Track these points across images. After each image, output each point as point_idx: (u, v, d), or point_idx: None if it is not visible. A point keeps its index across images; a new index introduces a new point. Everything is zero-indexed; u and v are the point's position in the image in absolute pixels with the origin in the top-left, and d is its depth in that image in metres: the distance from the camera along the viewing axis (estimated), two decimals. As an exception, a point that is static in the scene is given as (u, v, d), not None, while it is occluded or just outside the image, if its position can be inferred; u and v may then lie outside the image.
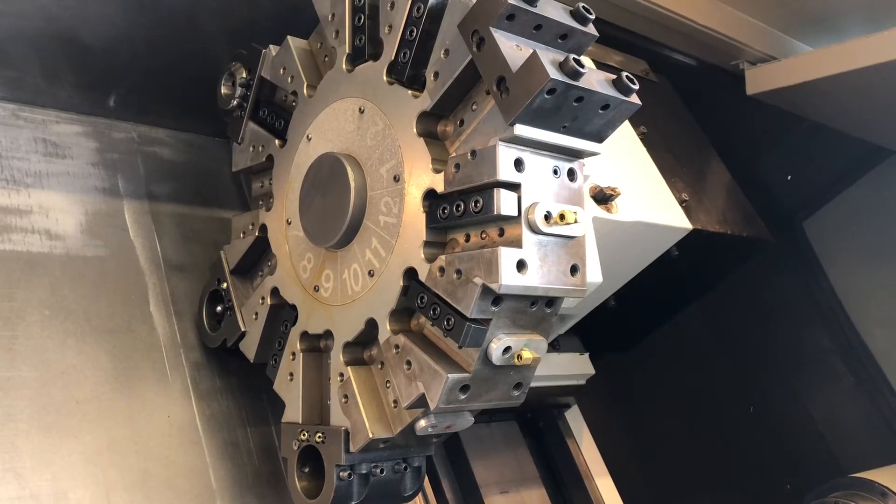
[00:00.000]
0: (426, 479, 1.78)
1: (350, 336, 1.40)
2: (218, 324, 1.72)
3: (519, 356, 1.24)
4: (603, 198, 1.52)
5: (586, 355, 2.03)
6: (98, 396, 1.58)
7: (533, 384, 1.91)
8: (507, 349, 1.23)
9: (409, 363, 1.28)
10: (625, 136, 1.72)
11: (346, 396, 1.38)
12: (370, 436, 1.33)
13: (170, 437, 1.62)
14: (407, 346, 1.29)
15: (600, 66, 1.86)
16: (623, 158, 1.66)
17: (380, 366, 1.38)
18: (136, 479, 1.53)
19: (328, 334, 1.45)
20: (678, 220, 1.65)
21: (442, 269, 1.25)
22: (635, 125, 1.76)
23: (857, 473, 1.89)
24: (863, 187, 2.97)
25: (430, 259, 1.27)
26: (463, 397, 1.25)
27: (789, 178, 2.88)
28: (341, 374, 1.40)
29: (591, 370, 2.02)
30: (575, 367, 2.00)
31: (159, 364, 1.69)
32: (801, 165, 2.83)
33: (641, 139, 1.75)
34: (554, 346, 1.94)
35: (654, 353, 2.45)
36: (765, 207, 2.76)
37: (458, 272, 1.22)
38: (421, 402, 1.27)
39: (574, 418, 2.08)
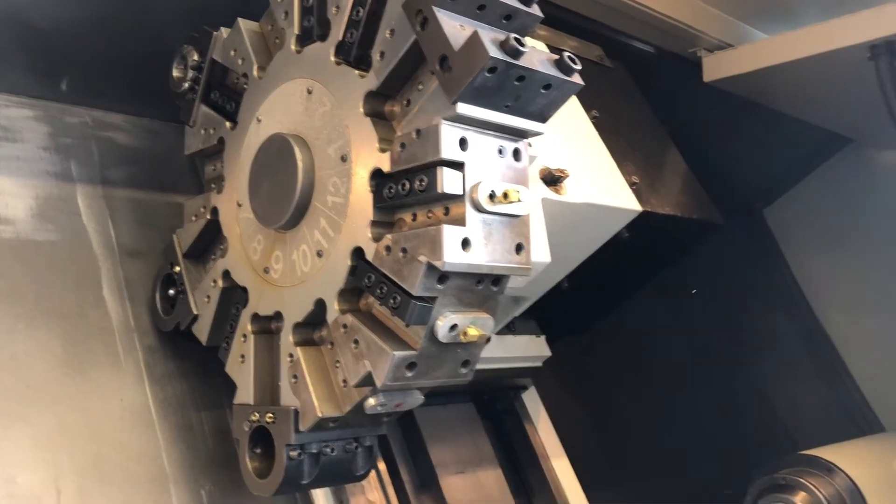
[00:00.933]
0: (382, 460, 1.80)
1: (299, 317, 1.41)
2: (171, 308, 1.72)
3: (465, 333, 1.25)
4: (552, 179, 1.53)
5: (542, 338, 2.05)
6: (49, 381, 1.57)
7: (489, 366, 1.95)
8: (453, 327, 1.24)
9: (356, 342, 1.29)
10: (576, 120, 1.74)
11: (295, 377, 1.39)
12: (319, 415, 1.34)
13: (122, 420, 1.61)
14: (355, 326, 1.30)
15: (554, 51, 1.86)
16: (574, 141, 1.68)
17: (329, 346, 1.38)
18: (88, 464, 1.52)
19: (278, 316, 1.46)
20: (628, 202, 1.67)
21: (388, 248, 1.26)
22: (588, 109, 1.78)
23: (804, 451, 1.93)
24: (822, 175, 3.01)
25: (378, 238, 1.28)
26: (410, 375, 1.26)
27: (750, 166, 2.91)
28: (291, 355, 1.41)
29: (547, 352, 2.04)
30: (531, 349, 2.02)
31: (112, 348, 1.69)
32: (761, 153, 2.87)
33: (594, 123, 1.77)
34: (510, 329, 1.96)
35: (613, 336, 2.48)
36: (726, 195, 2.80)
37: (404, 251, 1.23)
38: (368, 380, 1.28)
39: (531, 400, 2.10)
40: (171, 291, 1.71)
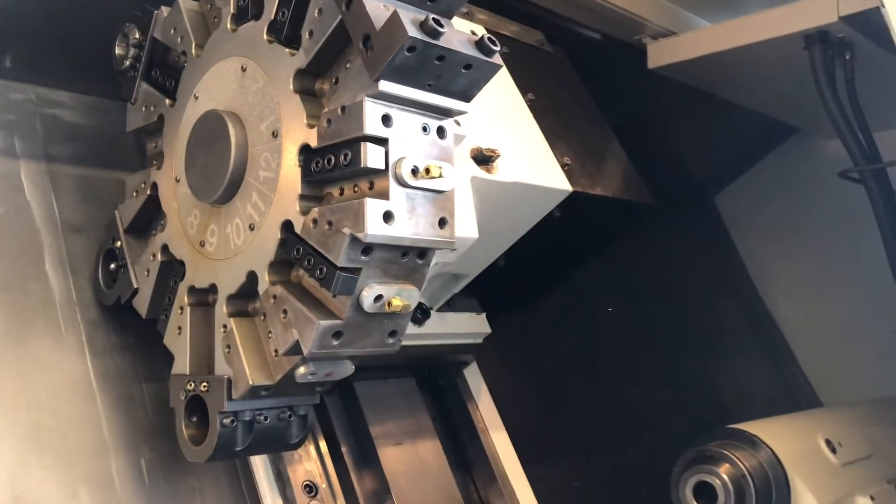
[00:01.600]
0: (321, 432, 1.84)
1: (233, 288, 1.45)
2: (113, 282, 1.75)
3: (390, 304, 1.30)
4: (483, 159, 1.59)
5: (483, 315, 2.10)
6: (-13, 351, 1.60)
7: (430, 342, 2.00)
8: (378, 297, 1.29)
9: (285, 312, 1.34)
10: (511, 102, 1.79)
11: (228, 346, 1.43)
12: (250, 382, 1.38)
13: (62, 390, 1.64)
14: (284, 296, 1.35)
15: (493, 35, 1.91)
16: (507, 122, 1.73)
17: (262, 317, 1.43)
18: (26, 431, 1.55)
19: (214, 288, 1.50)
20: (558, 182, 1.73)
21: (315, 221, 1.30)
22: (524, 92, 1.83)
23: (732, 425, 2.00)
24: (770, 164, 3.11)
25: (306, 212, 1.33)
26: (336, 343, 1.31)
27: (702, 153, 2.99)
28: (225, 326, 1.45)
29: (487, 329, 2.10)
30: (472, 326, 2.07)
31: (53, 321, 1.71)
32: (712, 142, 2.95)
33: (529, 105, 1.83)
34: (450, 306, 2.01)
35: (557, 315, 2.55)
36: (679, 182, 2.87)
37: (329, 223, 1.27)
38: (296, 348, 1.33)
39: (472, 376, 2.16)
40: (113, 266, 1.74)
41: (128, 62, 1.72)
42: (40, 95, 1.95)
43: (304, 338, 1.30)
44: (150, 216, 1.69)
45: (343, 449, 1.85)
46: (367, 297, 1.28)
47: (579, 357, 2.70)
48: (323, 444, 1.82)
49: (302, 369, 1.38)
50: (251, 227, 1.41)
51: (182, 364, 1.53)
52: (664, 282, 3.10)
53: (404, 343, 1.88)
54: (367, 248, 1.26)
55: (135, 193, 1.72)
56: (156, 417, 1.73)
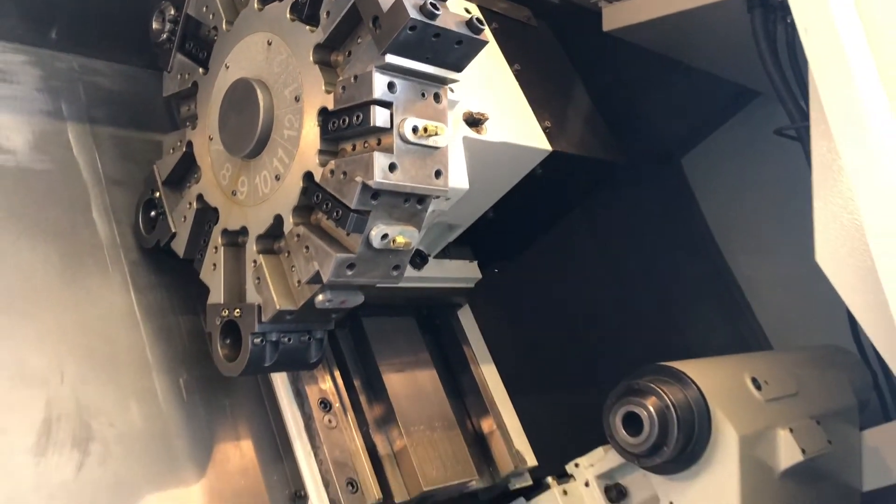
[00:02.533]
0: (334, 359, 2.11)
1: (261, 230, 1.71)
2: (152, 228, 2.01)
3: (394, 241, 1.57)
4: (473, 121, 1.84)
5: (475, 263, 2.37)
6: (49, 287, 1.86)
7: (427, 285, 2.27)
8: (384, 235, 1.55)
9: (307, 248, 1.60)
10: (499, 72, 2.04)
11: (258, 278, 1.70)
12: (277, 307, 1.65)
13: (111, 321, 1.91)
14: (306, 235, 1.61)
15: (486, 12, 2.15)
16: (496, 90, 1.97)
17: (286, 254, 1.69)
18: (84, 354, 1.82)
19: (244, 230, 1.76)
20: (540, 142, 1.98)
21: (332, 172, 1.56)
22: (511, 63, 2.07)
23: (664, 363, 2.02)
24: (733, 127, 3.29)
25: (324, 164, 1.58)
26: (350, 273, 1.57)
27: (668, 117, 3.17)
28: (254, 261, 1.71)
29: (479, 275, 2.35)
30: (465, 271, 2.33)
31: (101, 262, 1.97)
32: (677, 105, 3.11)
33: (515, 75, 2.07)
34: (446, 254, 2.28)
35: (540, 264, 2.79)
36: (646, 144, 3.06)
37: (344, 173, 1.53)
38: (317, 278, 1.59)
39: (465, 317, 2.42)
40: (152, 213, 1.99)
41: (164, 35, 1.96)
42: (81, 64, 2.19)
43: (324, 268, 1.56)
44: (186, 170, 1.94)
45: (353, 375, 2.12)
46: (375, 235, 1.55)
47: (560, 302, 2.95)
48: (336, 372, 2.09)
49: (320, 297, 1.64)
50: (277, 178, 1.67)
51: (217, 295, 1.79)
52: (634, 237, 3.29)
53: (406, 285, 2.16)
54: (375, 194, 1.52)
55: (171, 150, 1.97)
56: (191, 345, 2.00)
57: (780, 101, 2.02)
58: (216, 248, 1.82)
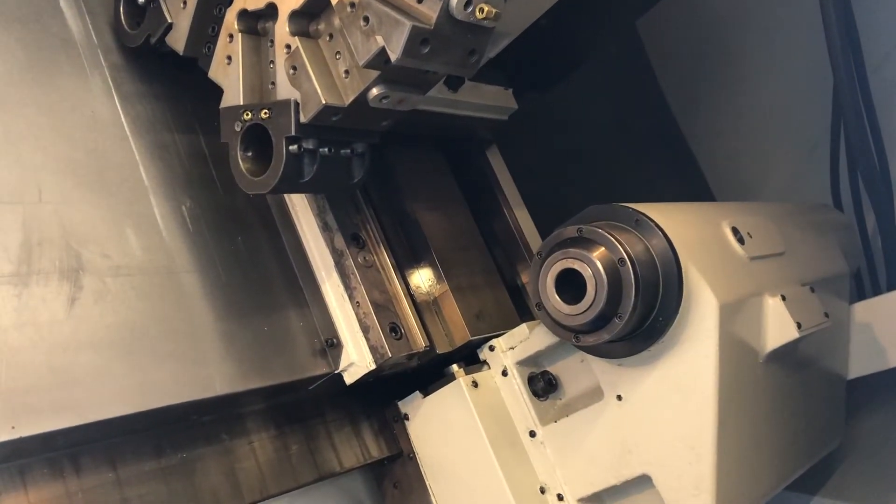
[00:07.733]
0: (362, 197, 1.79)
1: (296, 4, 1.34)
2: (137, 22, 1.61)
3: (481, 9, 1.23)
4: None
5: (510, 91, 2.06)
6: (13, 82, 1.47)
7: (461, 112, 1.96)
8: (468, 2, 1.22)
9: (366, 19, 1.25)
10: None
11: (294, 68, 1.35)
12: (323, 101, 1.31)
13: (95, 131, 1.54)
14: (364, 2, 1.26)
15: None
16: None
17: (328, 38, 1.34)
18: (64, 167, 1.46)
19: (270, 10, 1.39)
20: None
21: (403, -85, 1.20)
22: None
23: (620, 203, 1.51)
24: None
25: None
26: (424, 51, 1.23)
27: None
28: (287, 46, 1.36)
29: (514, 105, 2.06)
30: (500, 99, 2.03)
31: (77, 61, 1.59)
32: None
33: None
34: (481, 76, 1.95)
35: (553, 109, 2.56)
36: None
37: (422, -86, 1.18)
38: (379, 58, 1.25)
39: (494, 157, 2.14)
40: (141, 1, 1.59)
41: None
42: None
43: (393, 43, 1.22)
44: (184, -58, 1.54)
45: (383, 210, 1.81)
46: (458, 2, 1.21)
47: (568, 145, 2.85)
48: (365, 208, 1.77)
49: (375, 90, 1.31)
50: (321, -68, 1.30)
51: (234, 95, 1.44)
52: (590, 97, 3.13)
53: (439, 109, 1.85)
54: (460, -56, 1.17)
55: (163, -84, 1.56)
56: (192, 167, 1.64)
57: None
58: (231, 36, 1.45)
